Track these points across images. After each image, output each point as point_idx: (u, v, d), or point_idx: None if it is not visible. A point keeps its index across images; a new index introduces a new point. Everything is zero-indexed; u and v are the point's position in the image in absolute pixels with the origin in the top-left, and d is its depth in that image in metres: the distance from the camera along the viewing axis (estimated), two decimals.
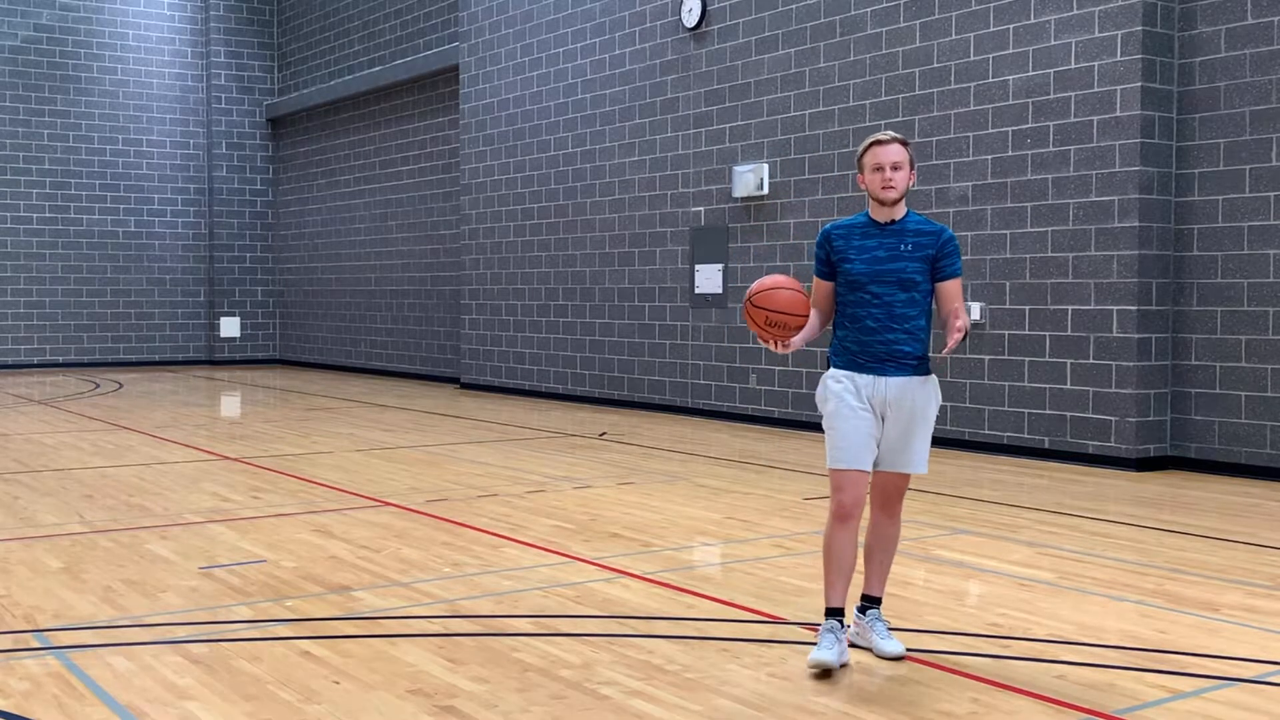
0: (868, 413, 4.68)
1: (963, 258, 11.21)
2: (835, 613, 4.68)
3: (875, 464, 4.75)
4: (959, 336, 4.60)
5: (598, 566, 6.42)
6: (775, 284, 4.68)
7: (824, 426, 4.80)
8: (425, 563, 6.48)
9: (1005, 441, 10.95)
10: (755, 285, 4.73)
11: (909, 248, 4.71)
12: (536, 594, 5.81)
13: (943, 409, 11.35)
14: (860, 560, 4.92)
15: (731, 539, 7.20)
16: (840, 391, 4.71)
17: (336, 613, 5.46)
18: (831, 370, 4.80)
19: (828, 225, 4.89)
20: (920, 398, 4.74)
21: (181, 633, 5.12)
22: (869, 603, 4.90)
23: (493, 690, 4.36)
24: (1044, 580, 6.16)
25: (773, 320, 4.63)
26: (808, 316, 4.68)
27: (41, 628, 5.19)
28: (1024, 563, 6.57)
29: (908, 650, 4.81)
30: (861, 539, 4.88)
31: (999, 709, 4.20)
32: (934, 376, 4.84)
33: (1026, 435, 10.79)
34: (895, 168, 4.67)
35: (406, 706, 4.20)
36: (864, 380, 4.70)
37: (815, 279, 4.89)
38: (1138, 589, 5.98)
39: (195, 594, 5.81)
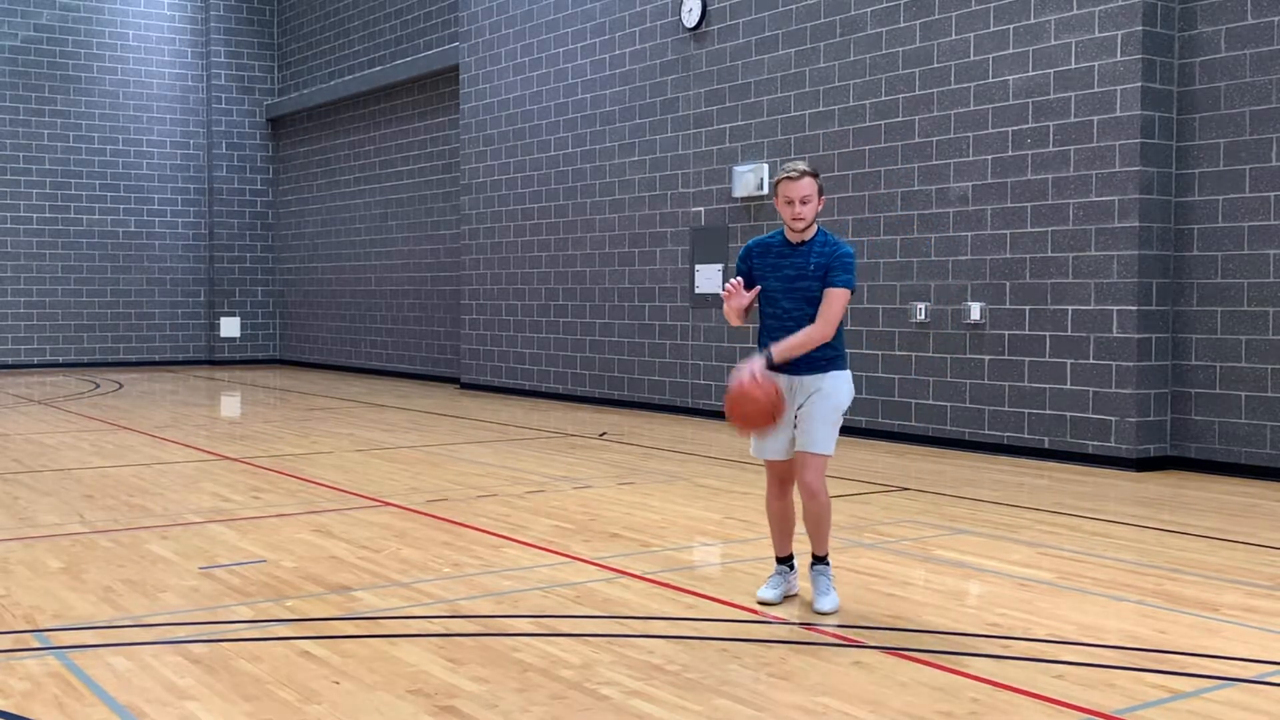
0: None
1: (963, 257, 11.22)
2: (783, 561, 5.69)
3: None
4: (770, 355, 5.26)
5: (598, 566, 6.42)
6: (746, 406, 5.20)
7: None
8: (425, 563, 6.48)
9: (1005, 441, 10.95)
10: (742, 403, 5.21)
11: (812, 268, 5.35)
12: (536, 594, 5.81)
13: (943, 409, 11.41)
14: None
15: (731, 539, 7.20)
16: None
17: (336, 613, 5.47)
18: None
19: (750, 241, 5.58)
20: (826, 389, 5.37)
21: (181, 633, 5.12)
22: (815, 560, 5.57)
23: (493, 690, 4.36)
24: (1044, 580, 6.16)
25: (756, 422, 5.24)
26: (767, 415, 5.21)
27: (41, 628, 5.19)
28: (1024, 563, 6.57)
29: (910, 649, 4.80)
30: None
31: (999, 709, 4.20)
32: (845, 371, 5.45)
33: (1026, 435, 10.79)
34: (804, 201, 5.30)
35: (406, 706, 4.20)
36: (781, 379, 5.35)
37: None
38: (1137, 589, 5.99)
39: (195, 594, 5.81)
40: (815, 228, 5.41)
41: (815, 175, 5.36)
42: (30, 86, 22.56)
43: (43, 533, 7.29)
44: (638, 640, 5.01)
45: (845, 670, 4.63)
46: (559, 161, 16.24)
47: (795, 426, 5.39)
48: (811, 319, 5.32)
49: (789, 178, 5.32)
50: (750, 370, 5.21)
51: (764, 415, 5.17)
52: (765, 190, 13.13)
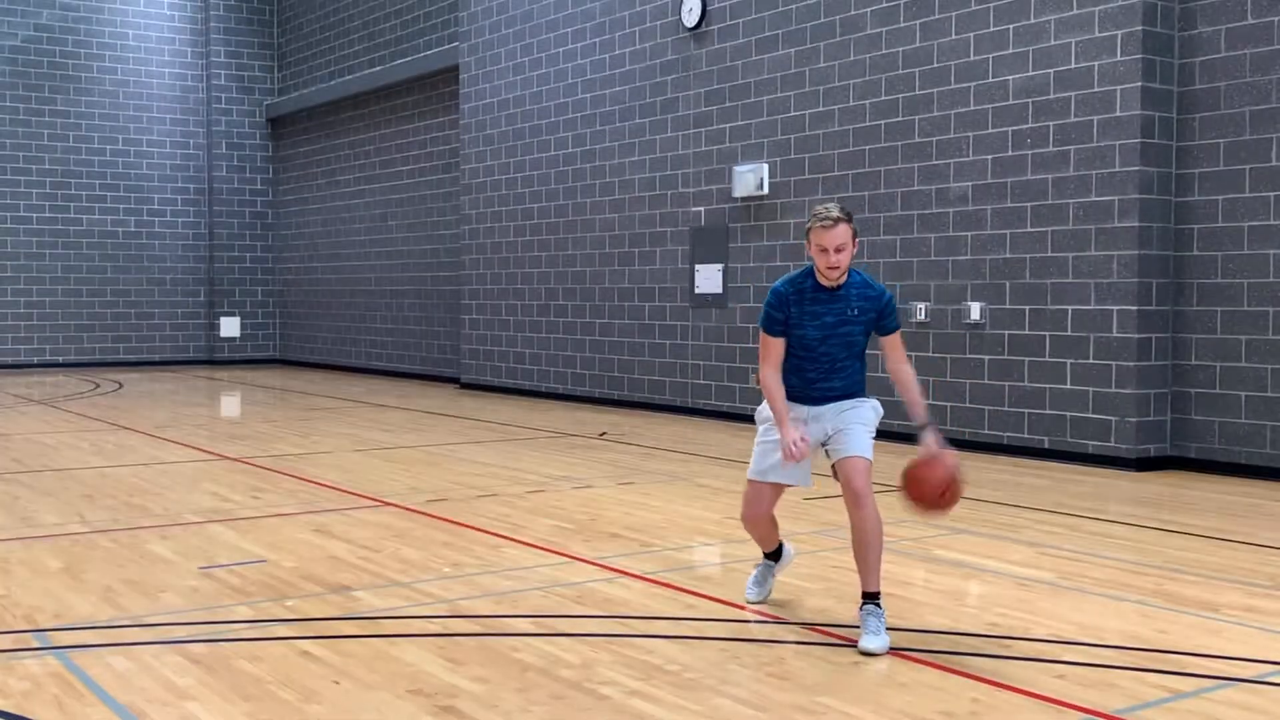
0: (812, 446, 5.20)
1: (963, 257, 11.23)
2: (769, 555, 5.67)
3: (831, 463, 5.21)
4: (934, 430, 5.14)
5: (598, 566, 6.42)
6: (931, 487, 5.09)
7: (756, 439, 5.37)
8: (425, 563, 6.48)
9: (1005, 441, 10.95)
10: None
11: (855, 312, 5.15)
12: (536, 594, 5.81)
13: (943, 409, 11.41)
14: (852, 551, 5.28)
15: (731, 539, 7.20)
16: (770, 418, 5.25)
17: (336, 613, 5.46)
18: (767, 403, 5.29)
19: (780, 285, 5.23)
20: (852, 406, 5.25)
21: (181, 633, 5.12)
22: (866, 598, 5.04)
23: (493, 690, 4.36)
24: (1044, 580, 6.16)
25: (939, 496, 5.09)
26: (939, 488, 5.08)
27: (41, 628, 5.19)
28: (1024, 563, 6.57)
29: (910, 649, 4.80)
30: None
31: (999, 709, 4.20)
32: (869, 398, 5.35)
33: (1026, 435, 10.79)
34: (839, 250, 5.02)
35: (406, 706, 4.20)
36: (800, 410, 5.23)
37: (767, 337, 5.22)
38: (1138, 589, 5.99)
39: (195, 594, 5.81)
40: (848, 270, 5.15)
41: (849, 219, 5.07)
42: (30, 86, 22.56)
43: (43, 533, 7.29)
44: (638, 640, 5.01)
45: (845, 670, 4.63)
46: (559, 161, 16.24)
47: (825, 447, 5.24)
48: (843, 360, 5.19)
49: (823, 225, 5.00)
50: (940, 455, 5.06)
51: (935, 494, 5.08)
52: (765, 190, 13.13)
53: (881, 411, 5.36)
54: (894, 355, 5.29)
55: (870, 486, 5.13)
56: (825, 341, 5.16)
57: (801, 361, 5.22)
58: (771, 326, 5.20)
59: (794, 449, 4.99)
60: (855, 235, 5.08)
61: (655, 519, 7.84)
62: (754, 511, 5.44)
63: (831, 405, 5.24)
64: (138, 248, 23.59)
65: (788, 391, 5.21)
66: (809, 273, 5.17)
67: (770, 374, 5.20)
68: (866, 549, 5.07)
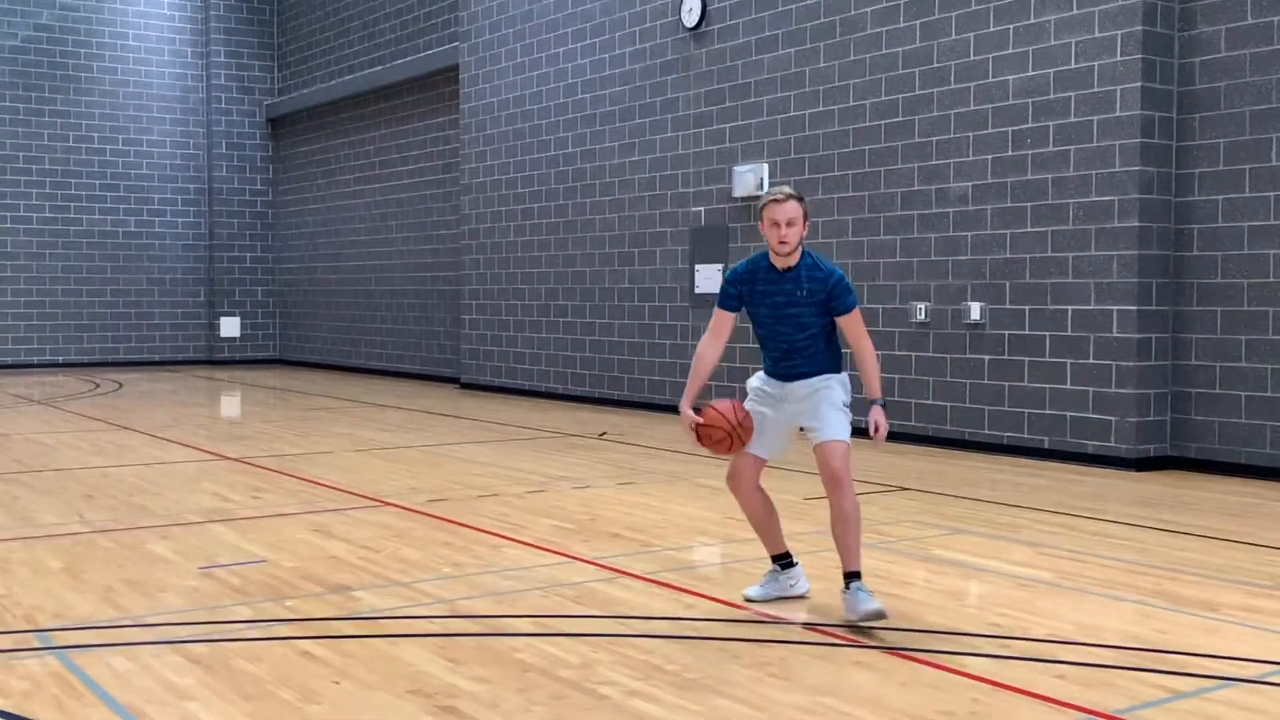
0: (769, 411, 5.49)
1: (963, 257, 11.22)
2: (777, 558, 5.64)
3: (810, 443, 5.39)
4: (879, 438, 5.37)
5: (598, 566, 6.42)
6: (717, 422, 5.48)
7: (745, 405, 5.57)
8: (425, 563, 6.48)
9: (1005, 441, 10.95)
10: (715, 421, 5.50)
11: (804, 293, 5.35)
12: (536, 594, 5.81)
13: (943, 409, 11.41)
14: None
15: (731, 539, 7.20)
16: (755, 388, 5.61)
17: (336, 613, 5.47)
18: (760, 372, 5.68)
19: (739, 265, 5.54)
20: (825, 388, 5.42)
21: (181, 633, 5.12)
22: (850, 577, 5.30)
23: (493, 690, 4.36)
24: (1044, 580, 6.16)
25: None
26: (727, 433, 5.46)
27: (41, 628, 5.19)
28: (1024, 563, 6.57)
29: (910, 649, 4.81)
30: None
31: (999, 709, 4.20)
32: (838, 374, 5.49)
33: (1026, 435, 10.79)
34: (789, 224, 5.27)
35: (406, 706, 4.20)
36: (774, 386, 5.53)
37: (720, 310, 5.59)
38: (1137, 589, 5.99)
39: (195, 594, 5.81)
40: (800, 251, 5.38)
41: (801, 199, 5.35)
42: (30, 86, 22.56)
43: (43, 533, 7.29)
44: (638, 640, 5.01)
45: (845, 670, 4.63)
46: (559, 161, 16.24)
47: (803, 429, 5.46)
48: (802, 341, 5.39)
49: (775, 200, 5.30)
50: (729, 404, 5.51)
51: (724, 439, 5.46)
52: (765, 190, 13.13)
53: (850, 387, 5.53)
54: (850, 333, 5.46)
55: (848, 469, 5.32)
56: (778, 321, 5.40)
57: (763, 340, 5.53)
58: (724, 300, 5.57)
59: (687, 428, 5.52)
60: (806, 216, 5.35)
61: (655, 519, 7.84)
62: (735, 483, 5.63)
63: (798, 384, 5.45)
64: (138, 248, 23.59)
65: (768, 368, 5.56)
66: (765, 255, 5.44)
67: (704, 342, 5.63)
68: (846, 530, 5.29)
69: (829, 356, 5.46)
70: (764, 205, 5.35)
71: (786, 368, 5.47)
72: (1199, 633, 5.20)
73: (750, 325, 5.63)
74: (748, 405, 5.57)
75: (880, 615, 5.13)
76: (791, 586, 5.66)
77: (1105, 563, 6.58)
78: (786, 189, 5.38)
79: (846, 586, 5.27)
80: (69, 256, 22.95)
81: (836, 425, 5.35)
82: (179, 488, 9.07)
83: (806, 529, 7.41)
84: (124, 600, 5.67)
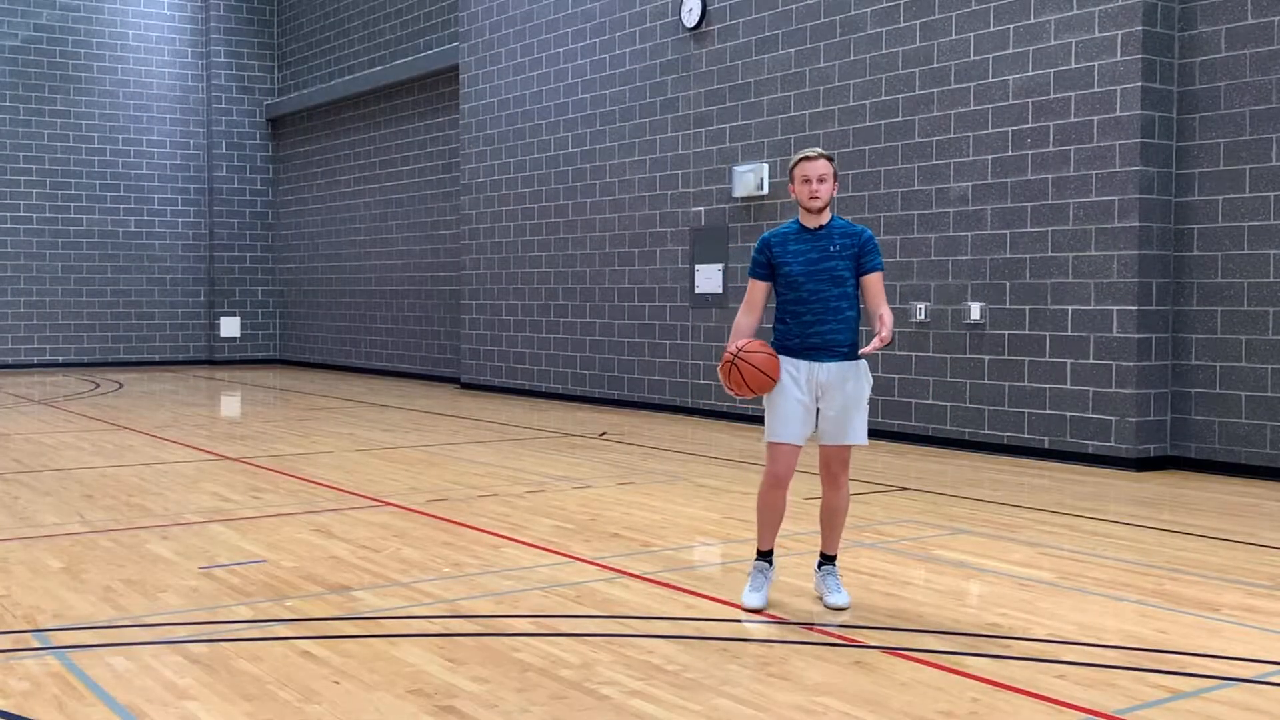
0: (804, 396, 5.40)
1: (963, 257, 11.23)
2: (765, 555, 5.64)
3: (819, 440, 5.49)
4: (878, 345, 5.21)
5: (598, 566, 6.42)
6: (754, 348, 5.39)
7: (765, 403, 5.53)
8: (425, 563, 6.48)
9: (1005, 441, 10.95)
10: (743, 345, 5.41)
11: (837, 248, 5.43)
12: (536, 594, 5.81)
13: (943, 409, 11.41)
14: (820, 524, 5.72)
15: (731, 539, 7.20)
16: (782, 375, 5.44)
17: (336, 613, 5.47)
18: (779, 356, 5.52)
19: (766, 234, 5.59)
20: (852, 382, 5.42)
21: (181, 633, 5.12)
22: (825, 560, 5.66)
23: (493, 690, 4.36)
24: (1044, 580, 6.16)
25: (754, 378, 5.37)
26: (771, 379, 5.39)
27: (41, 628, 5.19)
28: (1024, 563, 6.57)
29: (910, 649, 4.81)
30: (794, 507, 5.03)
31: (999, 709, 4.20)
32: (863, 362, 5.49)
33: (1026, 435, 10.79)
34: (820, 180, 5.41)
35: (406, 706, 4.20)
36: (803, 366, 5.42)
37: (753, 280, 5.59)
38: (1138, 589, 5.99)
39: (195, 594, 5.81)
40: (830, 213, 5.49)
41: (831, 159, 5.49)
42: (30, 86, 22.56)
43: (43, 533, 7.29)
44: (638, 640, 5.01)
45: (845, 670, 4.63)
46: (559, 161, 16.24)
47: (820, 415, 5.42)
48: (835, 299, 5.38)
49: (807, 158, 5.44)
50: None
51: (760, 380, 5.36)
52: (765, 190, 13.13)
53: (871, 378, 5.55)
54: (873, 296, 5.45)
55: (848, 469, 5.57)
56: (811, 278, 5.39)
57: (794, 305, 5.44)
58: (754, 269, 5.58)
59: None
60: (836, 176, 5.49)
61: (655, 519, 7.84)
62: (784, 477, 5.47)
63: (831, 366, 5.39)
64: (138, 248, 23.59)
65: (785, 346, 5.46)
66: (795, 222, 5.55)
67: (741, 313, 5.58)
68: (834, 519, 5.61)
69: (857, 326, 5.48)
70: (795, 164, 5.47)
71: (819, 334, 5.38)
72: (1199, 633, 5.20)
73: (775, 301, 5.54)
74: (770, 394, 5.48)
75: (844, 609, 5.46)
76: (772, 580, 5.78)
77: (1105, 563, 6.58)
78: (817, 148, 5.57)
79: (820, 567, 5.66)
80: (69, 256, 22.95)
81: (860, 429, 5.45)
82: (179, 488, 9.07)
83: (807, 529, 7.41)
84: (124, 600, 5.67)
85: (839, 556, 5.90)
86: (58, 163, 22.79)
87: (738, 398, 5.53)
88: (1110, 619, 5.45)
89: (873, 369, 11.94)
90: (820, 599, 5.59)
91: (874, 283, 5.44)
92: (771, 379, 5.36)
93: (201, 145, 24.12)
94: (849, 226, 5.51)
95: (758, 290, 5.56)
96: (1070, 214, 10.41)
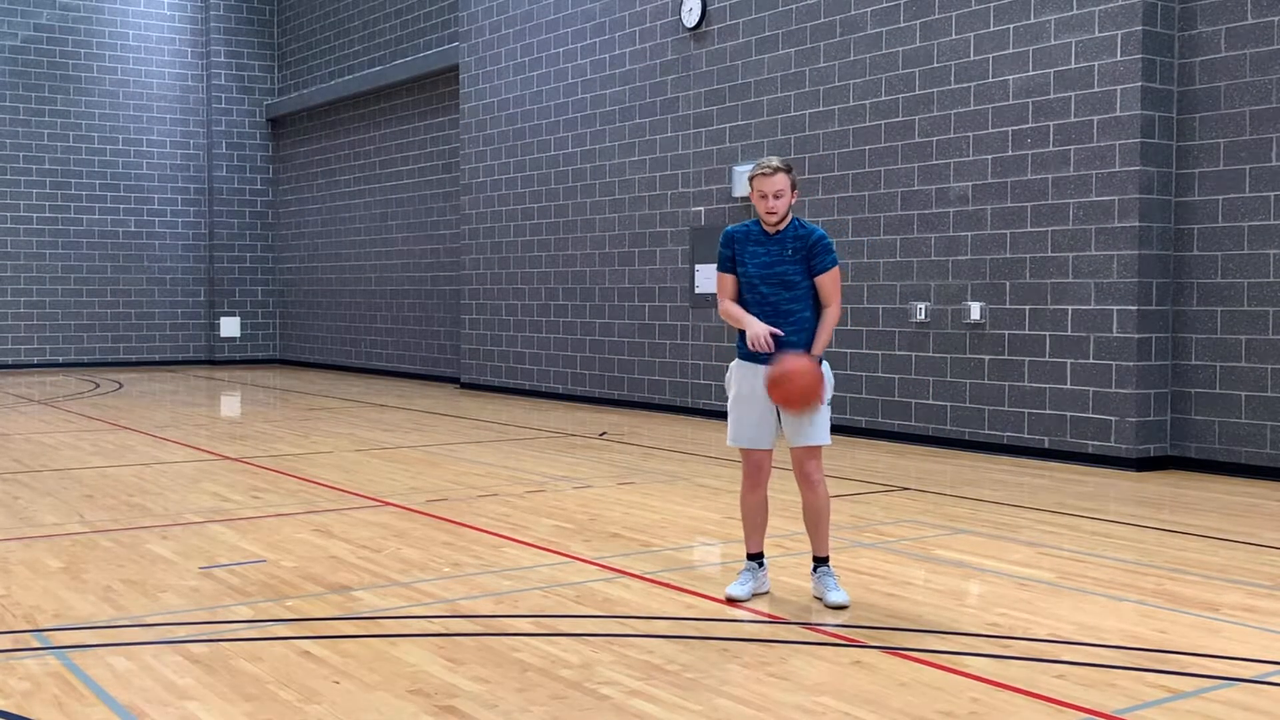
0: (759, 397, 5.50)
1: (963, 257, 11.22)
2: (754, 557, 5.78)
3: (788, 441, 5.58)
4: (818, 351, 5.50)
5: (598, 566, 6.42)
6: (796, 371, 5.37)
7: (728, 407, 5.72)
8: (425, 563, 6.48)
9: (1005, 441, 10.94)
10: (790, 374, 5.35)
11: (790, 252, 5.56)
12: (536, 594, 5.81)
13: (943, 409, 11.41)
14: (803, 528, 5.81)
15: (731, 539, 7.20)
16: (739, 380, 5.64)
17: (336, 613, 5.47)
18: (737, 360, 5.71)
19: (730, 227, 5.71)
20: None
21: (181, 633, 5.12)
22: (817, 562, 5.69)
23: (493, 690, 4.36)
24: (1044, 580, 6.16)
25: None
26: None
27: (41, 628, 5.19)
28: (1024, 563, 6.57)
29: (910, 649, 4.81)
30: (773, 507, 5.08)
31: (999, 709, 4.20)
32: (824, 362, 5.56)
33: (1026, 435, 10.79)
34: (777, 196, 5.51)
35: (406, 706, 4.20)
36: (761, 370, 5.48)
37: (720, 274, 5.71)
38: (1138, 589, 5.99)
39: (195, 594, 5.81)
40: (789, 218, 5.60)
41: (789, 170, 5.55)
42: (30, 86, 22.55)
43: (43, 533, 7.29)
44: (638, 640, 5.01)
45: (845, 670, 4.63)
46: (559, 161, 16.24)
47: (781, 416, 5.55)
48: (787, 302, 5.52)
49: (763, 173, 5.51)
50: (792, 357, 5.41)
51: (810, 390, 5.34)
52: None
53: (833, 381, 5.60)
54: (824, 291, 5.58)
55: (821, 468, 5.65)
56: (765, 281, 5.55)
57: (750, 308, 5.60)
58: (722, 263, 5.71)
59: (765, 340, 5.39)
60: (794, 186, 5.57)
61: (655, 519, 7.84)
62: (761, 477, 5.68)
63: None
64: (138, 248, 23.59)
65: (746, 349, 5.59)
66: (758, 220, 5.66)
67: (724, 302, 5.70)
68: (818, 522, 5.67)
69: (812, 329, 5.58)
70: (752, 177, 5.55)
71: (776, 338, 5.49)
72: (1200, 633, 5.20)
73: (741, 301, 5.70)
74: (733, 400, 5.69)
75: (844, 607, 5.48)
76: (764, 583, 5.82)
77: (1106, 562, 6.58)
78: (775, 161, 5.56)
79: (815, 570, 5.69)
80: (69, 256, 22.94)
81: (823, 428, 5.57)
82: (179, 488, 9.07)
83: (804, 529, 7.40)
84: (124, 600, 5.67)
85: (832, 558, 5.93)
86: (58, 163, 22.79)
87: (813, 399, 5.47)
88: (1110, 619, 5.45)
89: (872, 369, 11.99)
90: (820, 600, 5.61)
91: (824, 282, 5.56)
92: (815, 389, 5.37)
93: (201, 145, 24.12)
94: (802, 228, 5.60)
95: (727, 281, 5.70)
96: (1070, 214, 10.41)
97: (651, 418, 14.16)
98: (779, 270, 5.54)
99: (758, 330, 5.44)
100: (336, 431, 12.81)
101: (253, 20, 24.45)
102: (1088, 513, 8.12)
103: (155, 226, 23.74)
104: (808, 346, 5.53)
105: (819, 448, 5.59)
